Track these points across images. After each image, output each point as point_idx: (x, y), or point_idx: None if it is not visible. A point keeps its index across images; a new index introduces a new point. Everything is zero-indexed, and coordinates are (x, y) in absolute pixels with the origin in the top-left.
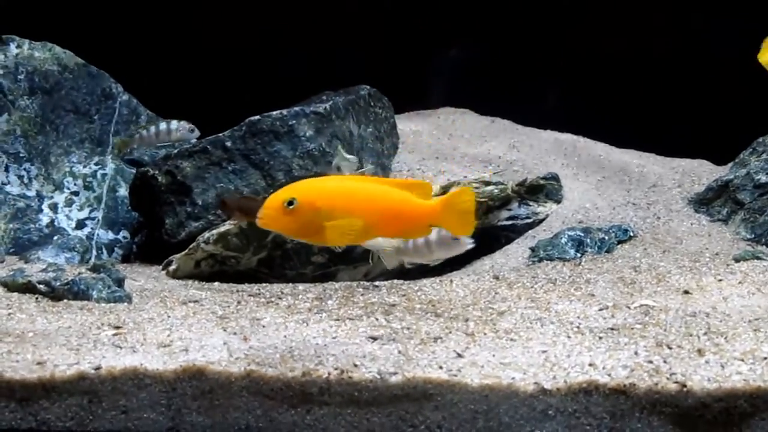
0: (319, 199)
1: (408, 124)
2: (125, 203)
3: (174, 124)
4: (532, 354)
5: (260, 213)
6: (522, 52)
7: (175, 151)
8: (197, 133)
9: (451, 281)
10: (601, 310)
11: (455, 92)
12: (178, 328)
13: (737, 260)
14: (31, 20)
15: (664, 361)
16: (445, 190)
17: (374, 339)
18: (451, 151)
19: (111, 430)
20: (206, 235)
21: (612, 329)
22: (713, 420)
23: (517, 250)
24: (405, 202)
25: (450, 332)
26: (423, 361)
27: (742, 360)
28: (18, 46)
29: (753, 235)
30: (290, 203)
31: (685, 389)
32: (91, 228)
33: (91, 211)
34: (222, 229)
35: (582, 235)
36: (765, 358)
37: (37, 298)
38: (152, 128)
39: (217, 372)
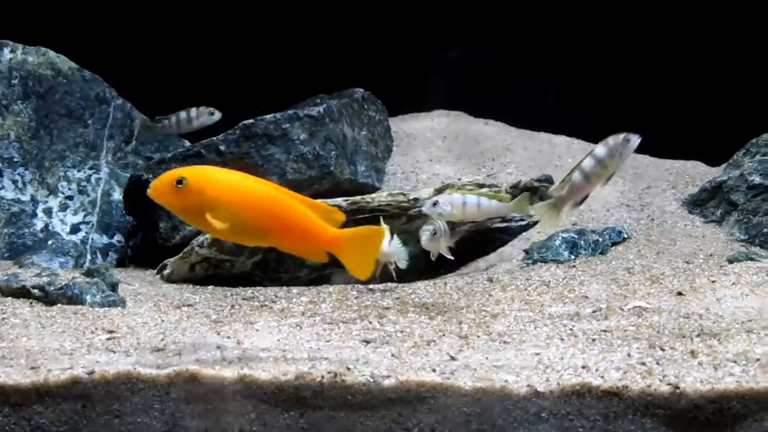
0: (210, 187)
1: (402, 127)
2: (119, 207)
3: (194, 111)
4: (525, 356)
5: (151, 184)
6: (516, 55)
7: (169, 155)
8: (218, 115)
9: (445, 283)
10: (594, 312)
11: (449, 95)
12: (172, 332)
13: (731, 261)
14: (25, 25)
15: (657, 363)
16: (439, 192)
17: (367, 342)
18: (445, 153)
19: None
20: (200, 238)
21: (605, 331)
22: (706, 422)
23: (511, 252)
24: (306, 220)
25: (443, 335)
26: (416, 364)
27: (735, 362)
28: (12, 51)
29: (747, 236)
30: (180, 182)
31: (678, 391)
32: (86, 232)
33: (85, 216)
34: None
35: (576, 237)
36: (758, 360)
37: (31, 303)
38: (173, 118)
39: (211, 376)
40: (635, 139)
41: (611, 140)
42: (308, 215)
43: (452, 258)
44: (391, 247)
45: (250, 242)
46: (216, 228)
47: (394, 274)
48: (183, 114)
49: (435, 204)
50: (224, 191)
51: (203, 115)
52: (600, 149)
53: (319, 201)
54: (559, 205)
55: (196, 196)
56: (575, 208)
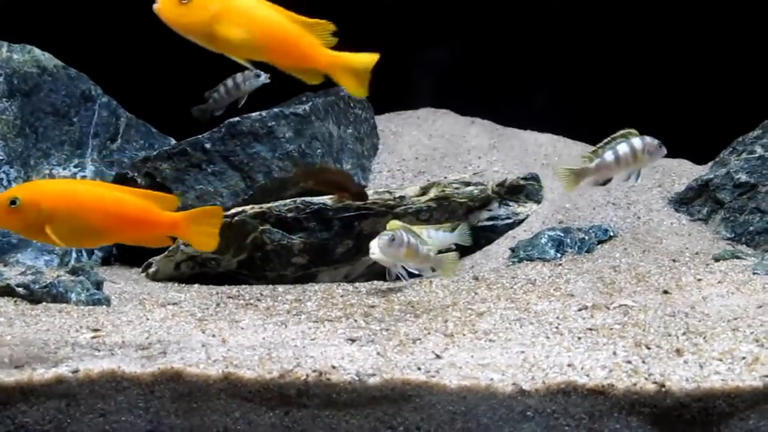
0: (44, 201)
1: (388, 125)
2: None
3: (239, 77)
4: (510, 355)
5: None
6: (502, 53)
7: (155, 153)
8: (263, 77)
9: (431, 282)
10: (580, 310)
11: (436, 93)
12: (157, 330)
13: (717, 259)
14: (10, 22)
15: (643, 362)
16: (424, 190)
17: (353, 341)
18: (431, 151)
19: None
20: None
21: (591, 329)
22: (692, 420)
23: (497, 250)
24: (142, 211)
25: (429, 333)
26: (402, 362)
27: (721, 360)
28: None
29: (733, 235)
30: (13, 202)
31: (663, 389)
32: None
33: None
34: None
35: (562, 235)
36: (743, 358)
37: (15, 301)
38: (221, 88)
39: (195, 374)
40: (664, 151)
41: (649, 138)
42: (145, 206)
43: (406, 279)
44: (389, 249)
45: (95, 244)
46: (56, 242)
47: (403, 275)
48: (230, 82)
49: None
50: (59, 202)
51: (250, 78)
52: (638, 141)
53: (154, 192)
54: (581, 174)
55: (32, 212)
56: (595, 185)
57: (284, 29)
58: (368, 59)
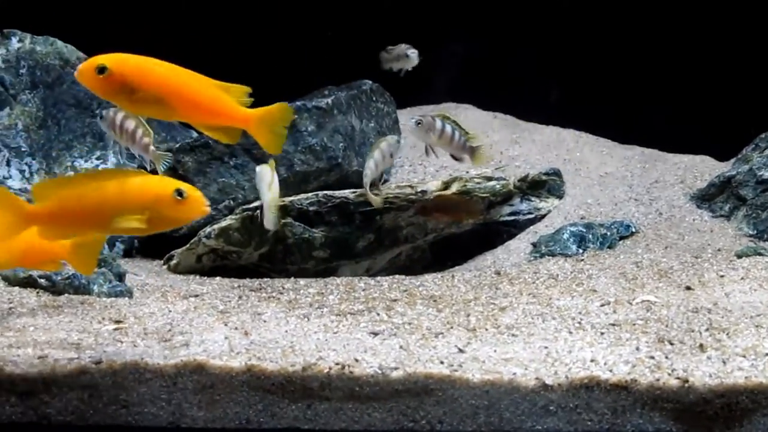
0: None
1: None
2: None
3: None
4: (533, 349)
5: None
6: (525, 48)
7: (177, 145)
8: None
9: (453, 276)
10: (602, 305)
11: (458, 87)
12: (179, 322)
13: (739, 256)
14: (33, 14)
15: (666, 357)
16: (447, 185)
17: (375, 334)
18: None
19: (111, 425)
20: (207, 229)
21: (613, 325)
22: (714, 416)
23: (519, 245)
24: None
25: (451, 327)
26: (424, 356)
27: (744, 356)
28: (20, 41)
29: (755, 231)
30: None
31: (686, 385)
32: None
33: None
34: (223, 223)
35: (584, 230)
36: (767, 354)
37: (38, 293)
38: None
39: (218, 366)
40: None
41: None
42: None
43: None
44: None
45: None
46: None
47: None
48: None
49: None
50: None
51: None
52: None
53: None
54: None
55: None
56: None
57: (200, 92)
58: (283, 113)
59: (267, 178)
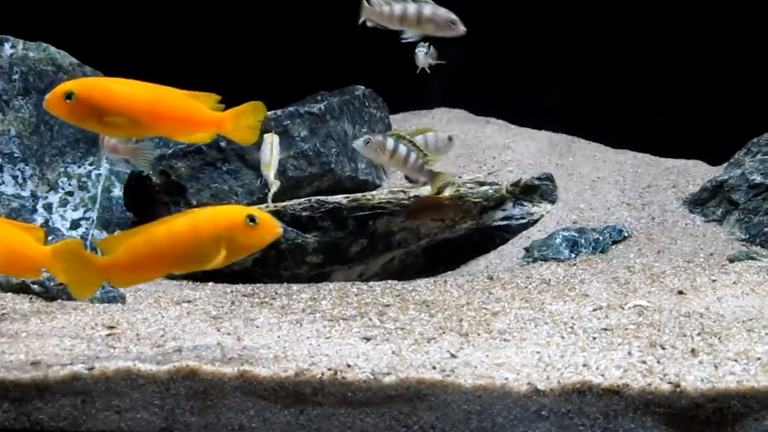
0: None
1: (403, 125)
2: (120, 203)
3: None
4: (525, 354)
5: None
6: (518, 52)
7: (170, 151)
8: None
9: (445, 281)
10: (595, 310)
11: (450, 93)
12: (172, 328)
13: (731, 260)
14: (26, 21)
15: (658, 362)
16: (440, 190)
17: (368, 339)
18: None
19: (104, 431)
20: None
21: (606, 330)
22: (706, 420)
23: (512, 250)
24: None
25: (444, 332)
26: (416, 361)
27: (736, 360)
28: (12, 47)
29: (747, 236)
30: (69, 96)
31: (678, 389)
32: (86, 228)
33: (85, 212)
34: None
35: (576, 235)
36: (758, 359)
37: (31, 298)
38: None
39: (211, 372)
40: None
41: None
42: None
43: (385, 179)
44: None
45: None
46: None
47: (382, 177)
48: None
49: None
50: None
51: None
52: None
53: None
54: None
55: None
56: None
57: (170, 105)
58: (256, 109)
59: (266, 157)
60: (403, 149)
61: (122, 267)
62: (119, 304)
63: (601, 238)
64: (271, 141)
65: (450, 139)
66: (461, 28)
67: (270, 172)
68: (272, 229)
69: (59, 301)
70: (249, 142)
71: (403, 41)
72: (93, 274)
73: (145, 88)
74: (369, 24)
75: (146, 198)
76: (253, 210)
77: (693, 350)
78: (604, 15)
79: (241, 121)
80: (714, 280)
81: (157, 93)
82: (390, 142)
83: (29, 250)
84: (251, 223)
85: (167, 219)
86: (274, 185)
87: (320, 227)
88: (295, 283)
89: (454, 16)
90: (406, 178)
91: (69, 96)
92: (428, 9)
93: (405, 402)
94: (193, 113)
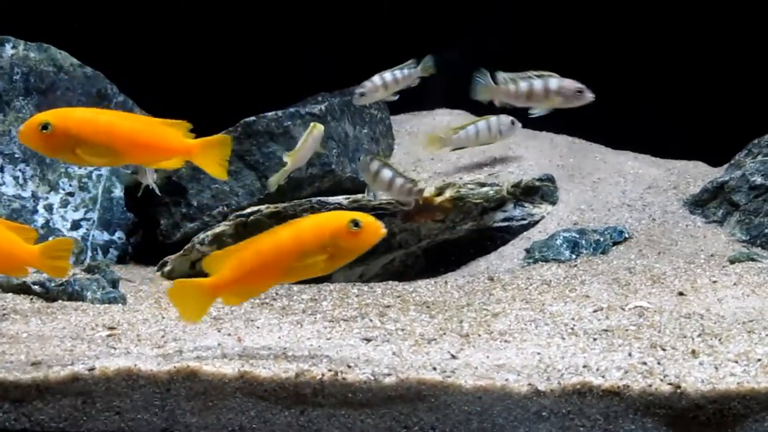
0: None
1: (403, 126)
2: (120, 204)
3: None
4: (526, 355)
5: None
6: (518, 54)
7: None
8: (518, 125)
9: (446, 282)
10: (595, 311)
11: (451, 94)
12: (173, 329)
13: (732, 262)
14: (27, 21)
15: (658, 363)
16: (440, 191)
17: (368, 340)
18: (447, 152)
19: (105, 431)
20: (201, 236)
21: (606, 331)
22: (707, 421)
23: (512, 251)
24: (165, 137)
25: (444, 333)
26: (417, 362)
27: (736, 362)
28: (13, 47)
29: (748, 237)
30: (45, 127)
31: (678, 391)
32: (86, 229)
33: (86, 212)
34: (217, 230)
35: (577, 236)
36: (759, 360)
37: (31, 299)
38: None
39: (211, 373)
40: (517, 128)
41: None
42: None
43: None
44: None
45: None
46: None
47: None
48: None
49: None
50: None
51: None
52: (494, 120)
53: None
54: (444, 142)
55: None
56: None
57: (145, 133)
58: (223, 144)
59: (298, 143)
60: (386, 174)
61: (232, 284)
62: (120, 304)
63: (601, 239)
64: (309, 131)
65: (513, 123)
66: (589, 96)
67: (290, 159)
68: (376, 231)
69: (60, 301)
70: (219, 177)
71: (531, 117)
72: (205, 297)
73: (119, 117)
74: (497, 104)
75: (147, 199)
76: (356, 214)
77: (693, 351)
78: (604, 15)
79: (209, 153)
80: (714, 282)
81: (132, 122)
82: (374, 165)
83: (16, 248)
84: (355, 228)
85: (271, 231)
86: (276, 179)
87: None
88: (296, 284)
89: (580, 85)
90: (397, 202)
91: (45, 127)
92: (554, 83)
93: (405, 403)
94: (166, 141)
